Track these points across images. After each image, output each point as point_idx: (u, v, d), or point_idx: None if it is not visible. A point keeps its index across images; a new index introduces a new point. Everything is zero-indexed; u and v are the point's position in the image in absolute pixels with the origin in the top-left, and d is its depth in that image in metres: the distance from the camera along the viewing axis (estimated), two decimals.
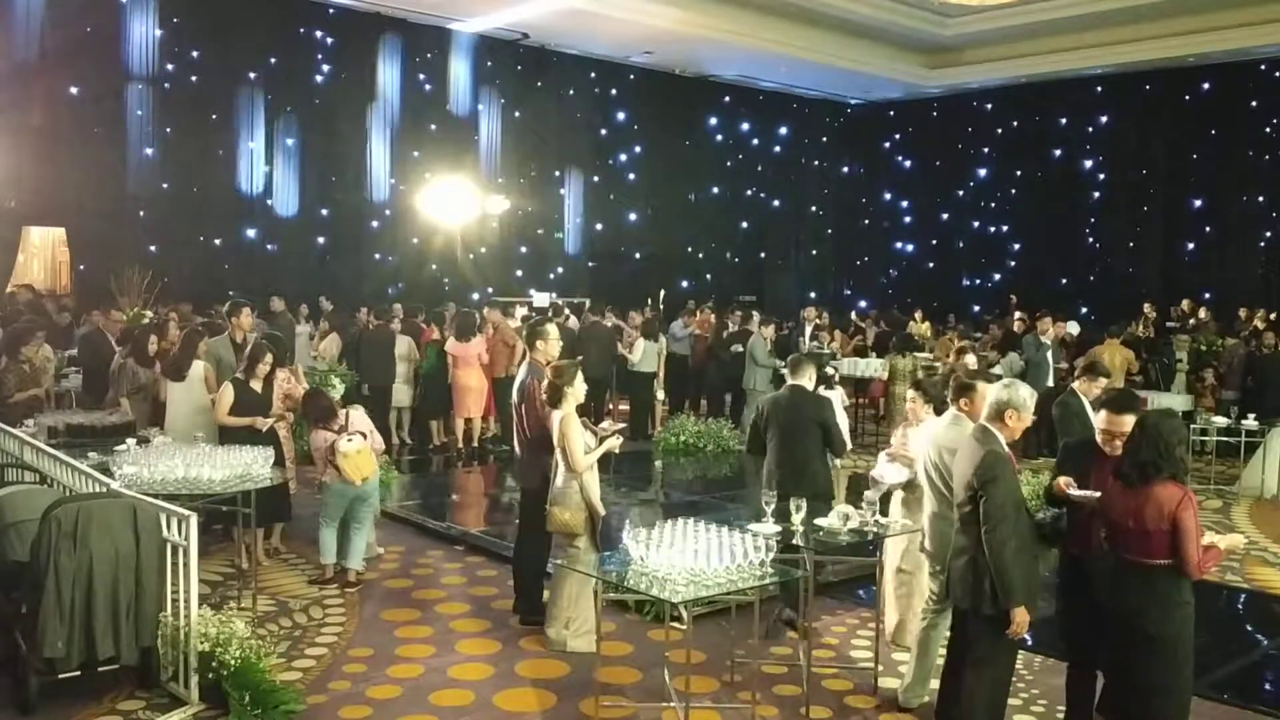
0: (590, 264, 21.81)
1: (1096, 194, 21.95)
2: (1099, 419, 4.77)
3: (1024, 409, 4.68)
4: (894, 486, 6.00)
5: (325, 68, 18.37)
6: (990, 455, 4.51)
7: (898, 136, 25.18)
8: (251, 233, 17.74)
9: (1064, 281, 21.62)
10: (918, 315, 18.16)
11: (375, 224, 18.95)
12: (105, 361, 9.91)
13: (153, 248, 16.26)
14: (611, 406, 14.55)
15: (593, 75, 21.23)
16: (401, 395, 12.53)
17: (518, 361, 10.59)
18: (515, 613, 6.68)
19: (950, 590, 4.73)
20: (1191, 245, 20.88)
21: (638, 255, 22.40)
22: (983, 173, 23.69)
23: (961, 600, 4.63)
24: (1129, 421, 4.47)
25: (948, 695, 4.78)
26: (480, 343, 12.12)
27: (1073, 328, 14.99)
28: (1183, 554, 4.10)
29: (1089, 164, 22.02)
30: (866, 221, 25.87)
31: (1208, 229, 20.65)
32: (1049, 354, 12.53)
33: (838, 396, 8.84)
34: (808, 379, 6.65)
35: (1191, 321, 16.39)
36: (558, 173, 21.13)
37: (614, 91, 21.76)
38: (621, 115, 22.01)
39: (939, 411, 5.71)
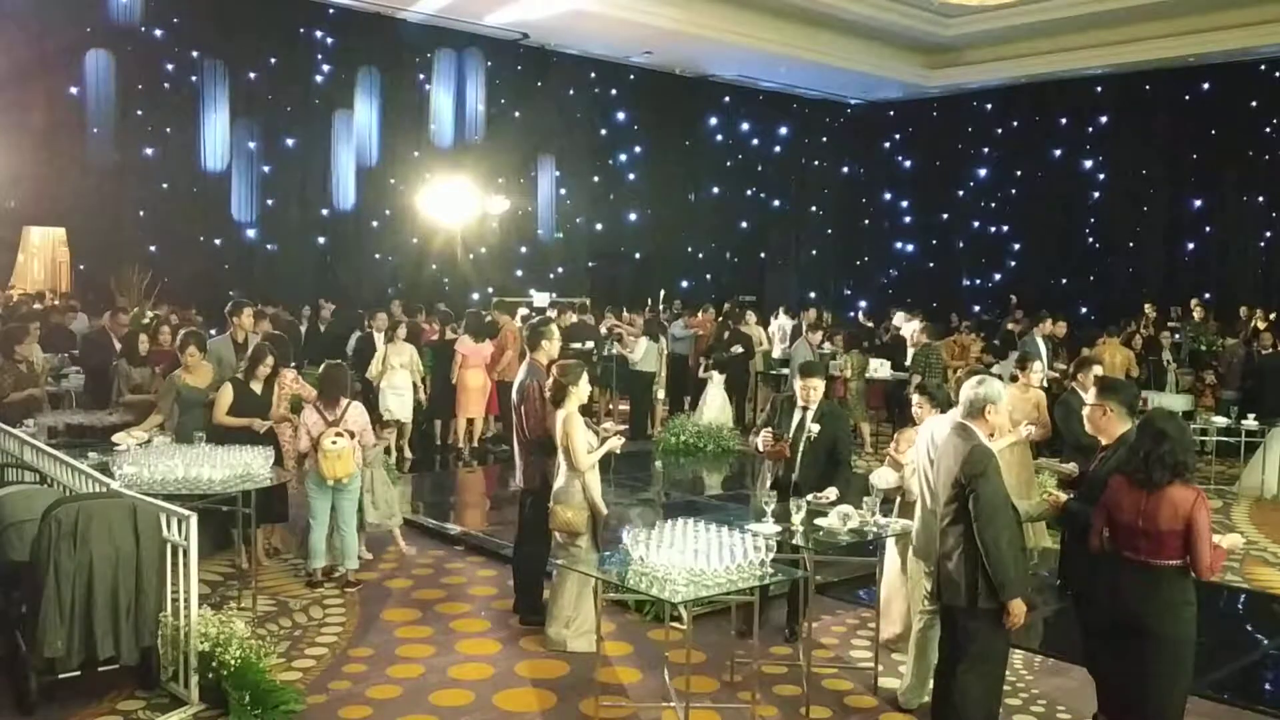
0: (590, 264, 21.81)
1: (1096, 194, 21.93)
2: (1088, 396, 4.88)
3: (1001, 402, 4.75)
4: (884, 492, 5.99)
5: (325, 68, 18.37)
6: (978, 450, 4.50)
7: (898, 136, 25.16)
8: (251, 233, 17.74)
9: (1064, 281, 21.62)
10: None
11: (375, 224, 18.95)
12: (107, 362, 9.92)
13: (153, 248, 16.26)
14: (612, 406, 14.57)
15: (593, 75, 21.22)
16: (400, 407, 11.16)
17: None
18: (515, 612, 6.69)
19: (941, 590, 4.69)
20: (1191, 245, 20.88)
21: (638, 255, 22.40)
22: (983, 173, 23.68)
23: (954, 598, 4.60)
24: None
25: (941, 694, 4.77)
26: (489, 344, 12.15)
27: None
28: (1196, 555, 4.10)
29: (1089, 164, 22.01)
30: (866, 221, 25.85)
31: (1208, 229, 20.64)
32: (1046, 354, 12.48)
33: None
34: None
35: (1185, 322, 16.40)
36: (558, 173, 21.13)
37: (614, 91, 21.75)
38: (621, 115, 22.00)
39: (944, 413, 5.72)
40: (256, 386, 7.60)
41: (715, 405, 13.45)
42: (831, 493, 6.01)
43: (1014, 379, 8.37)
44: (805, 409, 6.26)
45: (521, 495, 6.66)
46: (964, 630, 4.60)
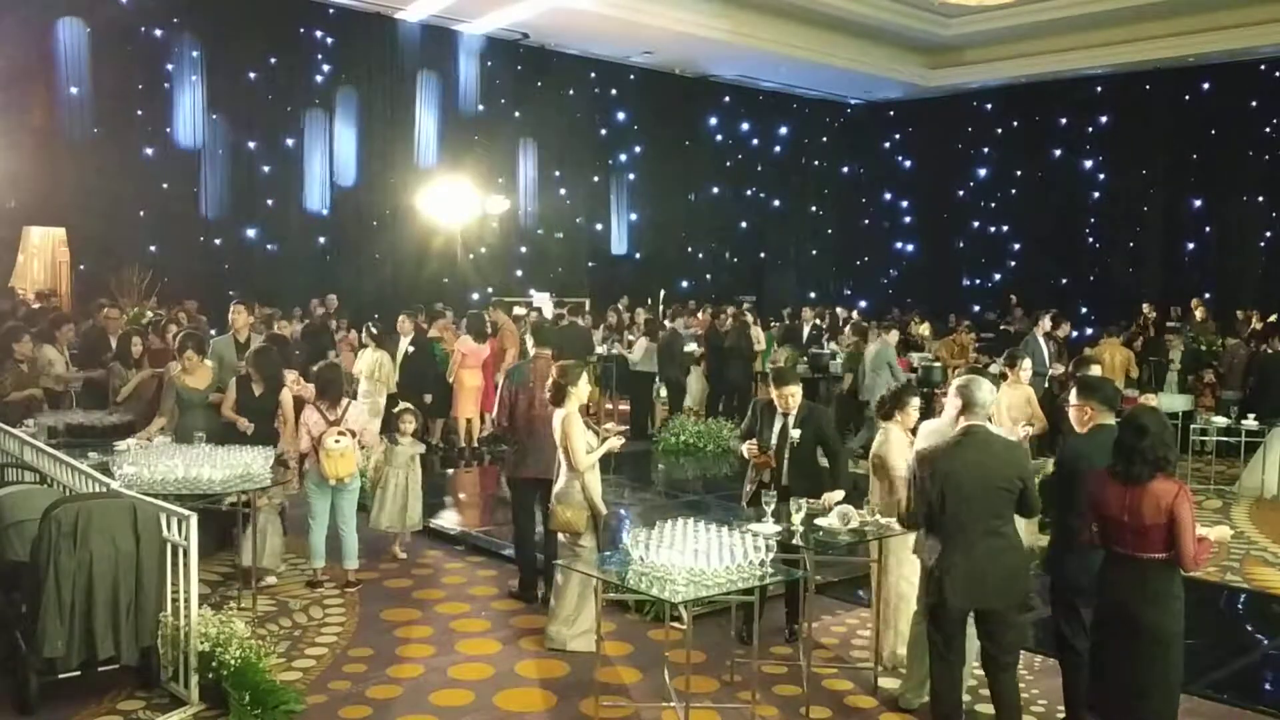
0: (590, 264, 21.80)
1: (1096, 194, 21.93)
2: (1071, 396, 5.02)
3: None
4: None
5: (325, 68, 18.35)
6: (1024, 451, 4.77)
7: (898, 136, 25.16)
8: (251, 232, 17.73)
9: (1064, 281, 21.61)
10: (917, 316, 18.20)
11: (375, 224, 18.94)
12: (105, 361, 9.95)
13: (153, 248, 16.25)
14: (611, 406, 14.57)
15: (593, 75, 21.21)
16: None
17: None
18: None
19: (993, 592, 4.67)
20: (1191, 245, 20.87)
21: (638, 255, 22.39)
22: (983, 173, 23.67)
23: (997, 601, 4.68)
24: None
25: (998, 691, 4.85)
26: (488, 344, 12.17)
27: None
28: (1180, 547, 4.15)
29: (1089, 164, 22.00)
30: (866, 221, 25.85)
31: (1208, 229, 20.63)
32: (1048, 354, 12.42)
33: None
34: None
35: (1185, 322, 16.38)
36: (557, 173, 21.12)
37: (614, 91, 21.74)
38: (621, 115, 21.99)
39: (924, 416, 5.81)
40: (257, 388, 7.63)
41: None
42: (836, 495, 5.89)
43: (1003, 377, 8.38)
44: (786, 415, 6.17)
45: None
46: (1013, 626, 4.81)
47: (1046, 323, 12.36)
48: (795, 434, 6.12)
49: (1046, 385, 11.94)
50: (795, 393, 6.17)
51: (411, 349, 11.90)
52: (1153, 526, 4.17)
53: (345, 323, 14.63)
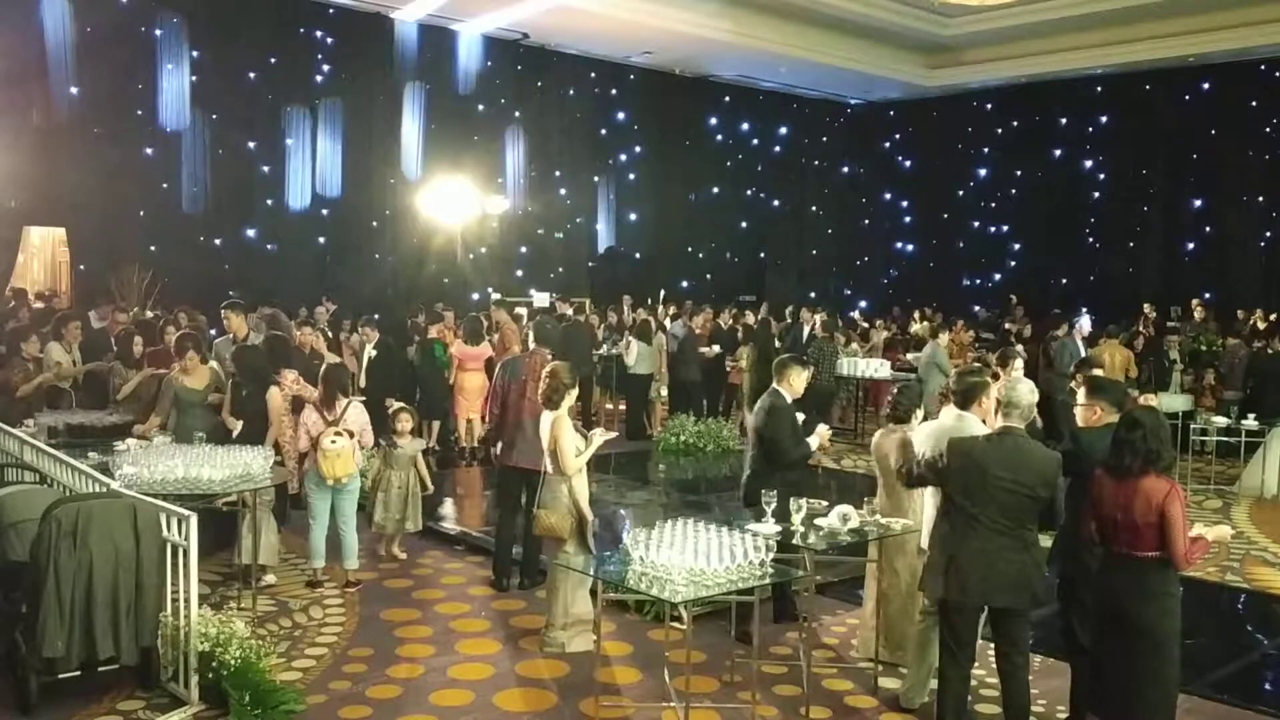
0: (590, 264, 21.80)
1: (1096, 194, 21.92)
2: (1079, 395, 5.11)
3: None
4: None
5: (325, 68, 18.35)
6: (1059, 464, 4.73)
7: (898, 136, 25.16)
8: (252, 233, 17.73)
9: (1064, 281, 21.62)
10: (916, 315, 18.21)
11: (375, 224, 18.94)
12: (106, 360, 9.96)
13: (153, 248, 16.24)
14: (611, 406, 14.57)
15: (593, 75, 21.21)
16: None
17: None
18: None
19: (1010, 590, 4.66)
20: (1191, 245, 20.87)
21: (638, 255, 22.39)
22: (983, 173, 23.67)
23: (1004, 598, 4.67)
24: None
25: (1016, 691, 4.83)
26: (485, 346, 12.17)
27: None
28: (1171, 545, 4.17)
29: (1089, 164, 22.01)
30: (866, 221, 25.85)
31: (1208, 229, 20.63)
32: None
33: None
34: None
35: (1185, 322, 16.37)
36: (557, 173, 21.12)
37: (614, 91, 21.74)
38: (621, 115, 21.99)
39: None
40: (246, 388, 7.63)
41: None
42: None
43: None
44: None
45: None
46: (1029, 624, 4.90)
47: (1085, 324, 12.28)
48: (799, 416, 6.41)
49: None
50: (806, 376, 6.52)
51: (374, 353, 11.99)
52: (1145, 524, 4.19)
53: (348, 324, 14.61)
